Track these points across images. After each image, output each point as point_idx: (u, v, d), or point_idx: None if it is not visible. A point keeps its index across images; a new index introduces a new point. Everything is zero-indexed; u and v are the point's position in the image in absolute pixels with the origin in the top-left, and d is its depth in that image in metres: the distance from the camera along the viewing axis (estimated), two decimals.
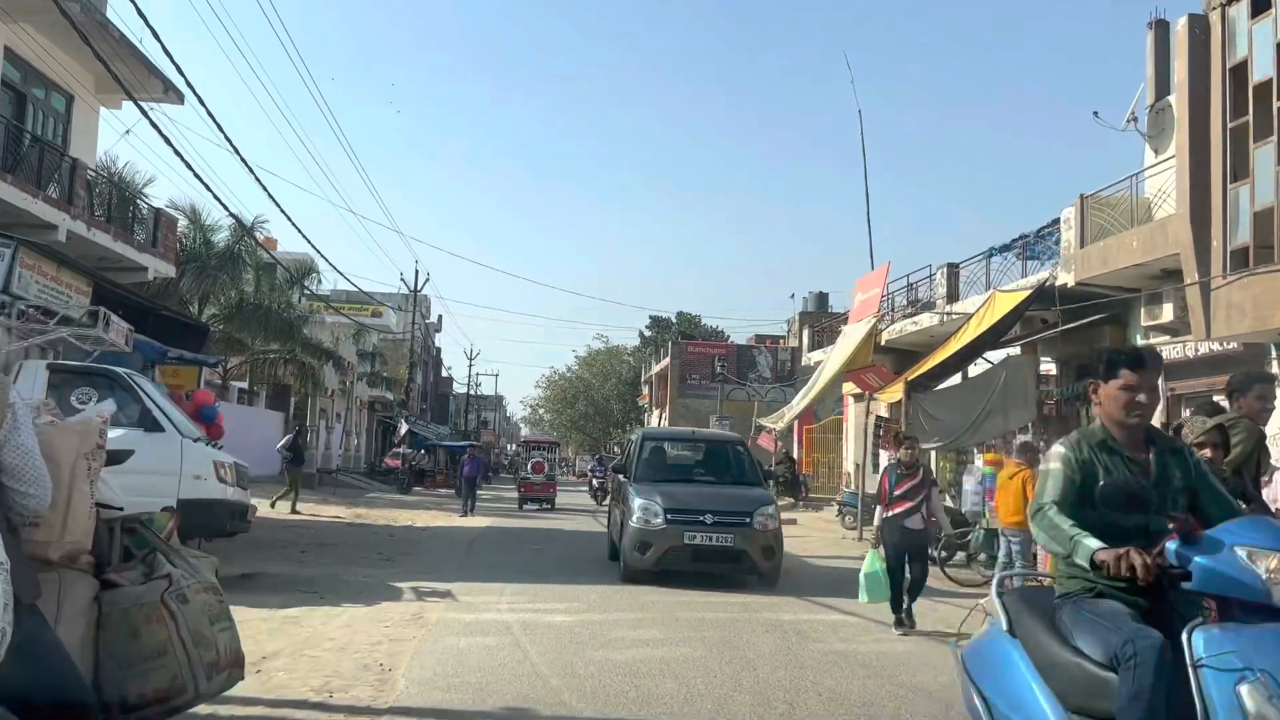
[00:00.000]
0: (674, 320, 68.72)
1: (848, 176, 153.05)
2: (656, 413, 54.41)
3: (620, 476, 12.68)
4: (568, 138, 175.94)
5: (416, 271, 46.24)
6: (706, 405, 44.90)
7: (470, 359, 73.03)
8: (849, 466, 27.94)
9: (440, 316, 70.08)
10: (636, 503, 11.01)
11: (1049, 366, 17.91)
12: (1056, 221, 16.82)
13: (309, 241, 50.40)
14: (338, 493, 28.43)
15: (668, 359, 52.79)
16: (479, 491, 31.91)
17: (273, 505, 19.28)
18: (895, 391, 17.66)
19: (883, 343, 22.08)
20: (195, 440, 9.77)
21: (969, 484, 12.35)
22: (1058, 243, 16.68)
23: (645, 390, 62.54)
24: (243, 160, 16.53)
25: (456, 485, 31.24)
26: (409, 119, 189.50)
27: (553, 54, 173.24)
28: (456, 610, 8.73)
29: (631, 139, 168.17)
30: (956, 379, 17.96)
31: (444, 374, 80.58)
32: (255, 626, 7.39)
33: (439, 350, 75.46)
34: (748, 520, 10.82)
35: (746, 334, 59.52)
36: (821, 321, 35.81)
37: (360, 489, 33.20)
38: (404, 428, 42.85)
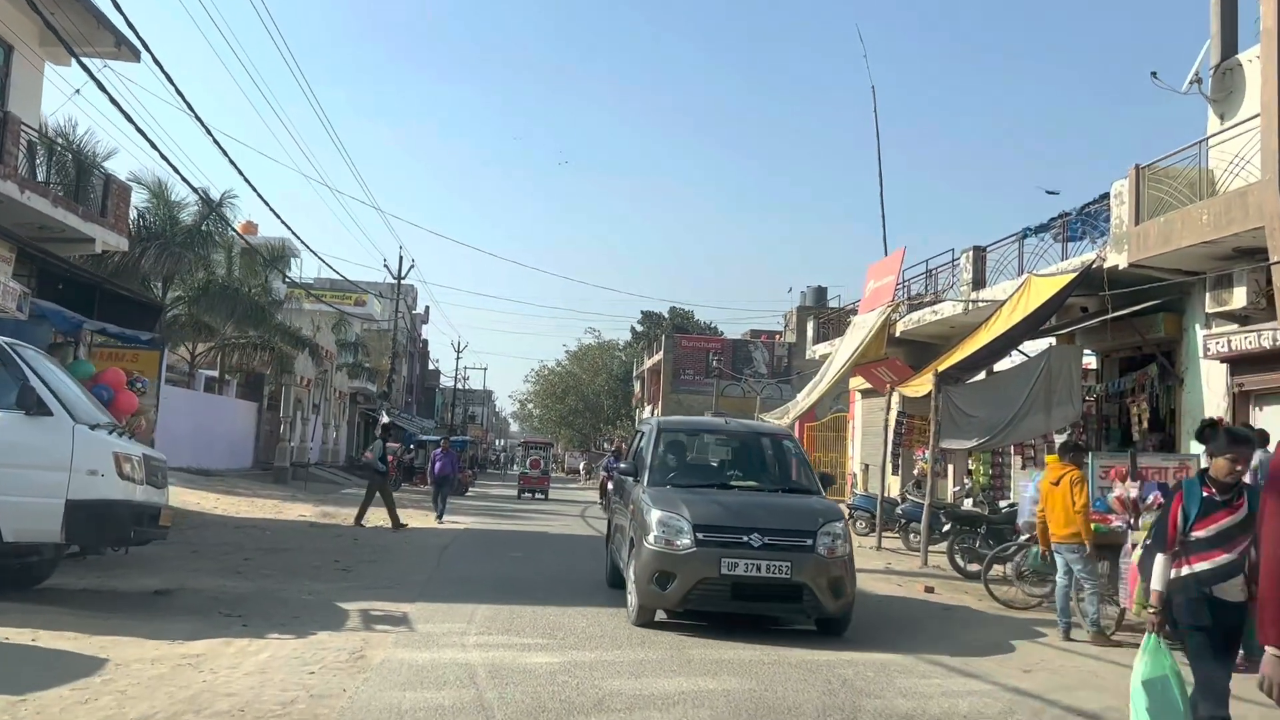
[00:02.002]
0: (666, 316, 66.80)
1: (854, 167, 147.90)
2: (649, 409, 52.57)
3: (628, 479, 9.73)
4: (562, 130, 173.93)
5: (400, 256, 44.38)
6: (701, 401, 43.14)
7: (458, 351, 70.99)
8: (855, 467, 26.26)
9: (427, 308, 68.30)
10: (654, 515, 8.09)
11: (1089, 359, 16.18)
12: (1104, 197, 15.07)
13: (279, 218, 48.72)
14: (309, 488, 26.60)
15: (661, 353, 50.94)
16: (463, 492, 30.27)
17: (361, 521, 17.09)
18: (920, 385, 15.91)
19: (897, 334, 20.37)
20: (95, 427, 7.93)
21: (1029, 491, 10.58)
22: (1106, 220, 14.93)
23: (637, 386, 60.68)
24: (199, 120, 14.90)
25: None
26: (397, 118, 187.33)
27: (539, 38, 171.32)
28: (409, 645, 6.93)
29: (625, 132, 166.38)
30: (991, 371, 16.27)
31: (431, 366, 78.72)
32: (133, 673, 5.57)
33: (425, 342, 73.62)
34: (809, 543, 7.91)
35: (741, 329, 57.84)
36: (826, 313, 34.11)
37: (335, 484, 31.41)
38: (384, 420, 40.96)
